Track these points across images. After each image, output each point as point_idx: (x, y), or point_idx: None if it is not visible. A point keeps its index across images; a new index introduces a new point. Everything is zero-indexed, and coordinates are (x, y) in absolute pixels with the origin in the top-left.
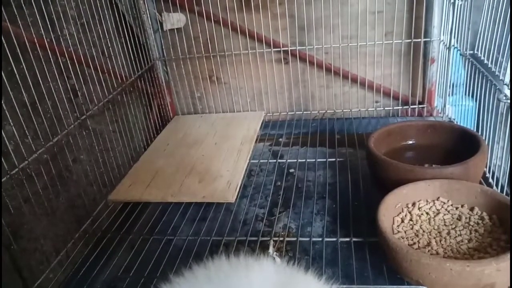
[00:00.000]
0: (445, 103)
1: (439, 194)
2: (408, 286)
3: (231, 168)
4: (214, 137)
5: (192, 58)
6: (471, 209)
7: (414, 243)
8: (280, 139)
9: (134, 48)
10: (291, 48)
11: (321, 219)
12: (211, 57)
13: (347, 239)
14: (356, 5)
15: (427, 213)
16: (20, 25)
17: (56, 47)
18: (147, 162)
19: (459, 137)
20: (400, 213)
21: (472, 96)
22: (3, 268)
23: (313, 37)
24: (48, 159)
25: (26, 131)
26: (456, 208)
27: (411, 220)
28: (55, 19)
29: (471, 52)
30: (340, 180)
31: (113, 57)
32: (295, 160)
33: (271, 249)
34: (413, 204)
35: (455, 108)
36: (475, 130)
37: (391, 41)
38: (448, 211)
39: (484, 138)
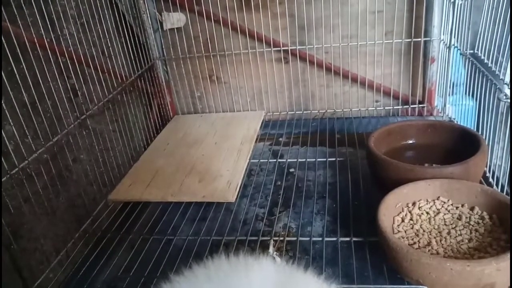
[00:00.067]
0: (445, 103)
1: (439, 194)
2: (408, 286)
3: (231, 168)
4: (214, 137)
5: (192, 58)
6: (471, 208)
7: (414, 243)
8: (280, 139)
9: (134, 48)
10: (291, 48)
11: (321, 218)
12: (211, 57)
13: (347, 238)
14: (356, 5)
15: (427, 213)
16: (20, 25)
17: (56, 47)
18: (147, 161)
19: (459, 136)
20: (400, 212)
21: (472, 96)
22: (3, 268)
23: (313, 37)
24: (48, 158)
25: (26, 131)
26: (456, 208)
27: (411, 219)
28: (55, 19)
29: (471, 51)
30: (340, 180)
31: (113, 56)
32: (295, 160)
33: (271, 249)
34: (413, 204)
35: (455, 108)
36: (475, 129)
37: (391, 41)
38: (448, 211)
39: (484, 137)
